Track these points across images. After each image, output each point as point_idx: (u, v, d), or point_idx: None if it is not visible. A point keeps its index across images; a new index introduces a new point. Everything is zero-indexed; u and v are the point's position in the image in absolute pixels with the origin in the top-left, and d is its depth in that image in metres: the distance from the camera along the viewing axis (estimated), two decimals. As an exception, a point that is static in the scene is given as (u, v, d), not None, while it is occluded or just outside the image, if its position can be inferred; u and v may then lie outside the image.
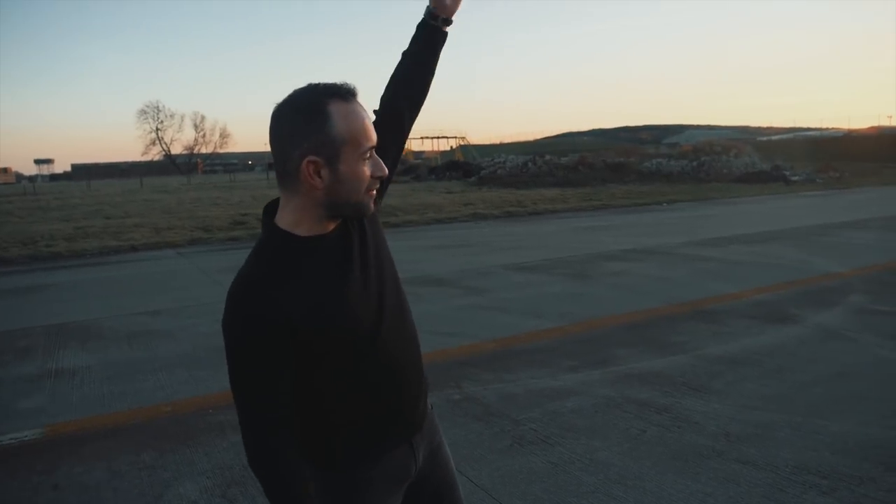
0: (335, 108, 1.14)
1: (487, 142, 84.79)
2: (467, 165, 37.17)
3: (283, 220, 1.22)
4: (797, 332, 5.07)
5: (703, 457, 3.09)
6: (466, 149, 70.60)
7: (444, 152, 72.44)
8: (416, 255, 9.90)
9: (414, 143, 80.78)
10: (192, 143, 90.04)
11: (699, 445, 3.21)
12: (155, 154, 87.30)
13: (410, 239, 11.95)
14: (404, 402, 1.35)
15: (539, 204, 18.27)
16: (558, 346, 4.93)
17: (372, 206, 1.24)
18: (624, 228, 12.58)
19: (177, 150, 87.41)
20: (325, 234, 1.23)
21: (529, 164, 31.14)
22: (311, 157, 1.14)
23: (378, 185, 1.25)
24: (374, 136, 1.20)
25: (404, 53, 1.51)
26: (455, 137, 77.97)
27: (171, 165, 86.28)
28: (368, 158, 1.19)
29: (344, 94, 1.16)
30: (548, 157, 33.09)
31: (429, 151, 76.05)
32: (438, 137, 77.57)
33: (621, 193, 21.33)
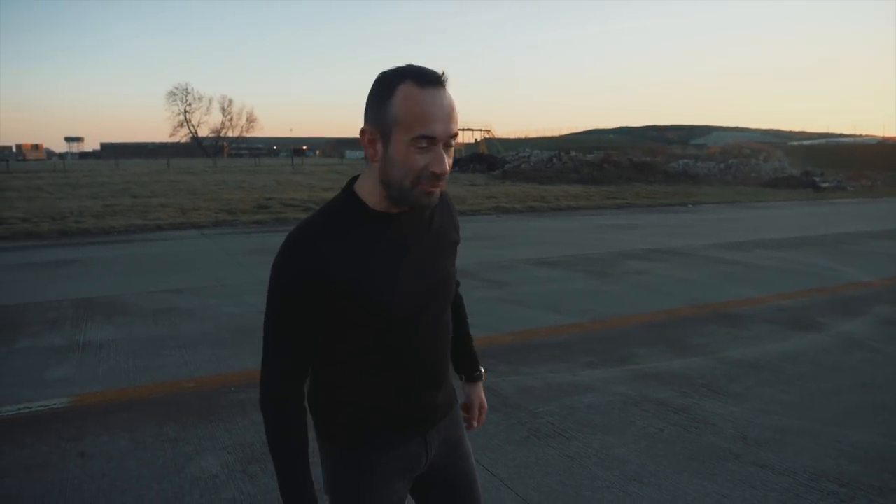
0: (403, 89, 1.14)
1: (513, 136, 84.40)
2: (491, 159, 37.09)
3: (361, 188, 1.26)
4: (820, 340, 5.01)
5: (721, 458, 3.09)
6: (491, 142, 70.43)
7: (468, 145, 72.37)
8: (438, 245, 9.92)
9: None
10: (219, 126, 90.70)
11: (716, 447, 3.20)
12: (182, 136, 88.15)
13: (433, 230, 11.96)
14: (425, 396, 1.36)
15: (562, 200, 18.20)
16: (577, 342, 4.93)
17: (428, 201, 1.20)
18: (647, 228, 12.49)
19: (204, 132, 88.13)
20: (394, 212, 1.24)
21: (554, 160, 30.96)
22: (366, 126, 1.19)
23: (437, 183, 1.18)
24: (436, 127, 1.13)
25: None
26: (480, 130, 77.82)
27: (198, 148, 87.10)
28: (424, 148, 1.15)
29: (420, 78, 1.14)
30: (573, 153, 32.87)
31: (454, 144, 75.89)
32: (464, 130, 77.42)
33: (646, 193, 21.16)
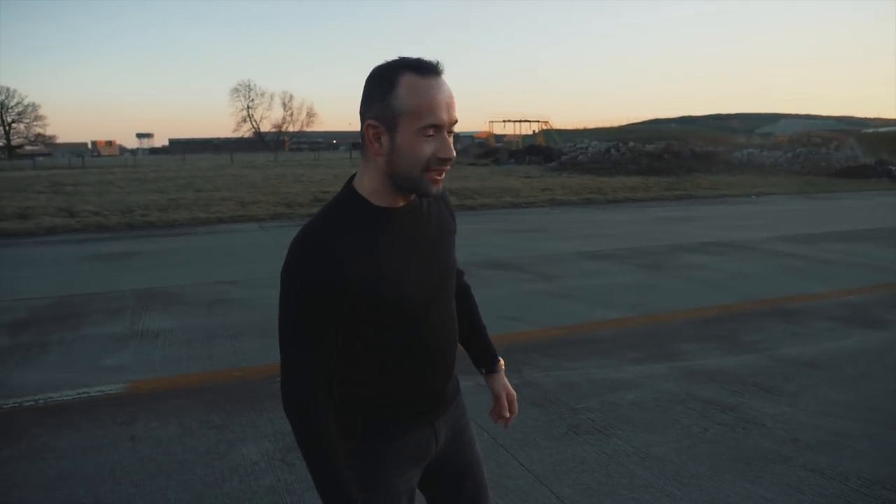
0: (405, 80, 1.16)
1: (571, 127, 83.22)
2: (548, 150, 36.69)
3: (361, 185, 1.26)
4: (884, 338, 4.76)
5: (768, 461, 2.97)
6: (549, 133, 69.70)
7: (525, 136, 71.82)
8: (490, 238, 9.90)
9: (496, 127, 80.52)
10: (280, 121, 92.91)
11: (764, 448, 3.08)
12: (245, 131, 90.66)
13: (485, 222, 11.94)
14: (436, 385, 1.37)
15: (619, 192, 17.84)
16: (624, 337, 4.83)
17: (435, 188, 1.23)
18: (706, 220, 12.11)
19: (266, 127, 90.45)
20: (396, 207, 1.26)
21: (612, 151, 30.36)
22: (371, 122, 1.19)
23: (444, 169, 1.22)
24: (442, 114, 1.17)
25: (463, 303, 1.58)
26: (538, 122, 77.09)
27: (260, 142, 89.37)
28: (430, 136, 1.18)
29: (420, 67, 1.17)
30: (632, 143, 32.11)
31: (510, 135, 75.55)
32: (521, 121, 76.93)
33: (707, 184, 20.51)
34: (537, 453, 3.06)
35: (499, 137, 74.56)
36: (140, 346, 4.79)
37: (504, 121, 78.05)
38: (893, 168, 25.73)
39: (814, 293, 6.17)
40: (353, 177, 1.29)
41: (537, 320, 5.28)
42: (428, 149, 1.18)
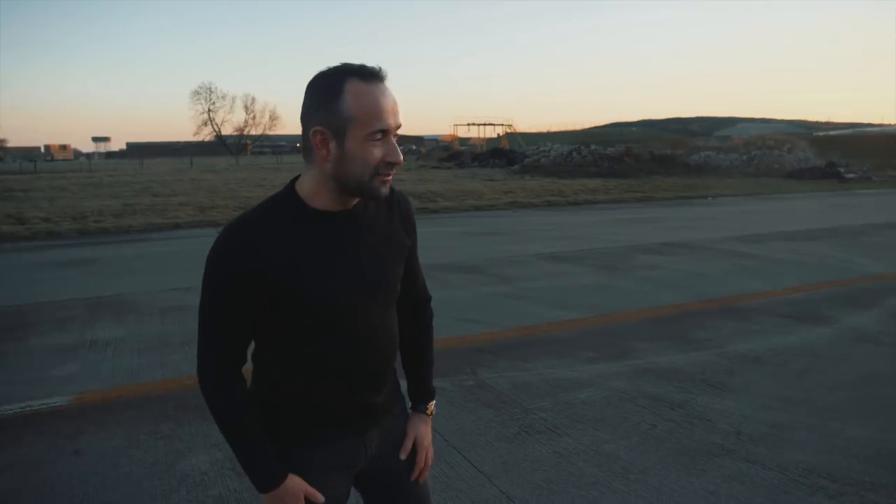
0: (350, 87, 1.17)
1: (535, 130, 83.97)
2: (511, 153, 36.97)
3: (301, 187, 1.27)
4: (828, 334, 4.92)
5: (712, 454, 3.05)
6: (512, 137, 70.17)
7: (489, 139, 72.18)
8: (451, 241, 9.93)
9: (460, 130, 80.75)
10: (242, 124, 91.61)
11: (709, 443, 3.16)
12: (206, 135, 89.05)
13: (447, 225, 11.98)
14: (363, 397, 1.35)
15: (580, 194, 18.08)
16: (579, 338, 4.90)
17: (384, 190, 1.24)
18: (664, 221, 12.35)
19: (227, 130, 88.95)
20: (333, 211, 1.26)
21: (574, 154, 30.76)
22: (318, 128, 1.19)
23: (392, 172, 1.23)
24: (389, 119, 1.19)
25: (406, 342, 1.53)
26: (502, 125, 77.50)
27: (222, 146, 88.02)
28: (379, 140, 1.19)
29: (364, 74, 1.18)
30: (593, 146, 32.61)
31: (474, 138, 75.86)
32: (485, 124, 77.30)
33: (666, 186, 20.94)
34: (489, 454, 3.09)
35: (463, 141, 74.87)
36: (89, 357, 4.67)
37: (468, 124, 78.39)
38: (843, 170, 26.60)
39: (763, 291, 6.34)
40: (296, 178, 1.30)
41: (495, 322, 5.31)
42: (377, 153, 1.20)
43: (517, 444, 3.19)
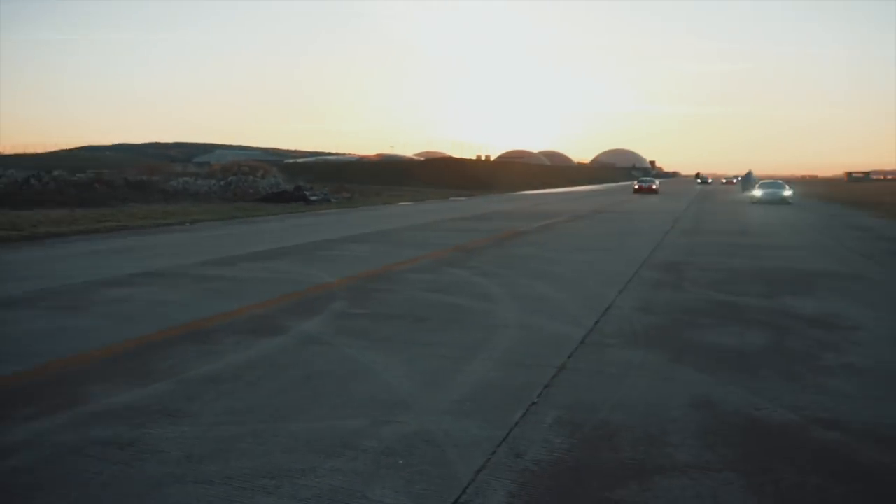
0: None
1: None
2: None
3: None
4: (282, 342, 5.44)
5: (163, 485, 3.00)
6: (-52, 161, 57.23)
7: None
8: None
9: None
10: None
11: (160, 475, 3.10)
12: None
13: None
14: None
15: (40, 227, 15.84)
16: (17, 396, 4.23)
17: None
18: (138, 251, 11.82)
19: None
20: None
21: (32, 181, 26.87)
22: None
23: None
24: None
25: None
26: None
27: None
28: None
29: None
30: (57, 172, 29.13)
31: None
32: None
33: (143, 213, 20.12)
34: None
35: None
36: None
37: None
38: (308, 192, 30.18)
39: (229, 311, 6.63)
40: None
41: None
42: None
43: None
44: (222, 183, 30.90)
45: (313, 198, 29.30)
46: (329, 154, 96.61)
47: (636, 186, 49.78)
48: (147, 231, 15.81)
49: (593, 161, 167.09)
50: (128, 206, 22.71)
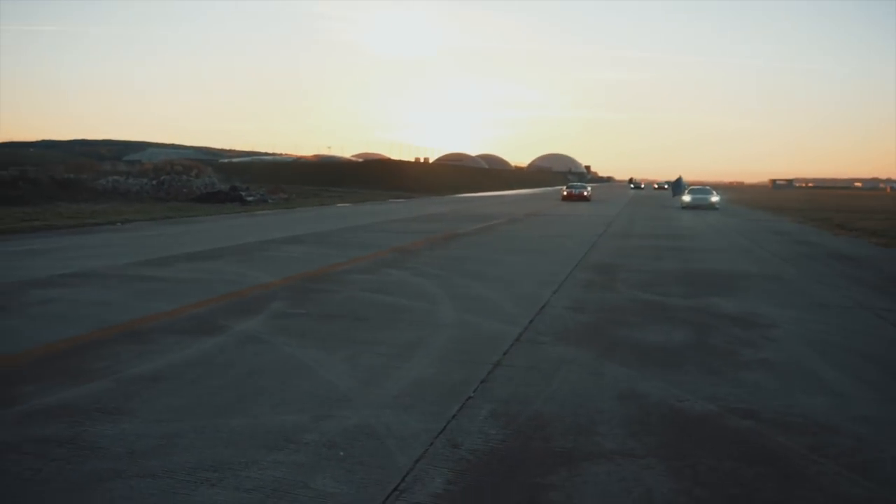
0: None
1: None
2: None
3: None
4: (221, 342, 5.45)
5: (105, 480, 3.02)
6: None
7: None
8: None
9: None
10: None
11: (101, 470, 3.12)
12: None
13: None
14: None
15: (-43, 226, 15.09)
16: (-54, 395, 4.13)
17: None
18: (67, 251, 11.43)
19: None
20: None
21: (-52, 178, 25.42)
22: None
23: None
24: None
25: None
26: None
27: None
28: None
29: None
30: (-25, 169, 27.61)
31: None
32: None
33: (70, 213, 19.40)
34: None
35: None
36: None
37: None
38: (244, 193, 29.65)
39: (166, 311, 6.56)
40: None
41: None
42: None
43: None
44: (155, 182, 30.00)
45: (249, 198, 28.81)
46: (265, 154, 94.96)
47: (565, 193, 42.83)
48: (76, 231, 15.28)
49: (530, 165, 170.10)
50: (54, 206, 21.82)
